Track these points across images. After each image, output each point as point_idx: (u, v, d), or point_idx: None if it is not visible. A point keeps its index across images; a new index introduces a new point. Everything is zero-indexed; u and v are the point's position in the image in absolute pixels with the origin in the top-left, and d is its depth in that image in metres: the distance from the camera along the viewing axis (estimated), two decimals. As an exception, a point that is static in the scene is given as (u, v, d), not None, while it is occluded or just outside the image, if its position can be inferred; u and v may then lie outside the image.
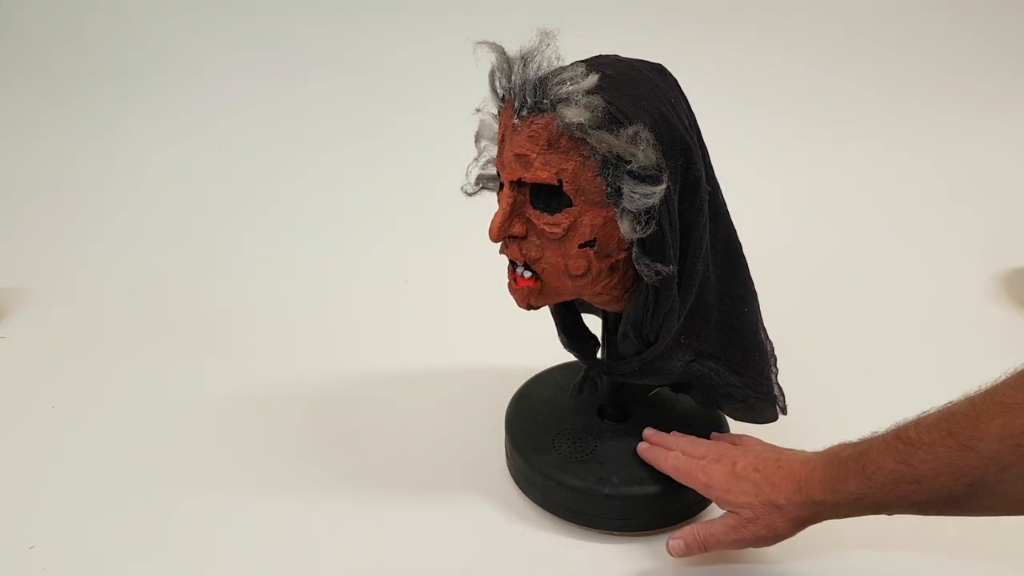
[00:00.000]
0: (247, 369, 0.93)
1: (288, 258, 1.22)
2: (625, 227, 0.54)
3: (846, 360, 0.93)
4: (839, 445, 0.56)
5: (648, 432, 0.70)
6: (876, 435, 0.53)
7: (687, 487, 0.66)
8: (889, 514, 0.54)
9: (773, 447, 0.64)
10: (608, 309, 0.65)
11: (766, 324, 0.69)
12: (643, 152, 0.52)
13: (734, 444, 0.65)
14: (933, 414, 0.51)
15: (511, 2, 1.32)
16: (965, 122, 1.53)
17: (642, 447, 0.68)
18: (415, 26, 1.53)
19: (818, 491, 0.54)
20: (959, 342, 0.97)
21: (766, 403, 0.67)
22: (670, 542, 0.62)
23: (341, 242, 1.26)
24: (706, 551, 0.61)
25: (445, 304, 1.08)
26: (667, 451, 0.66)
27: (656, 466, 0.66)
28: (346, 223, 1.31)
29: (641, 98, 0.54)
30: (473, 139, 0.63)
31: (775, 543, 0.59)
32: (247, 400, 0.87)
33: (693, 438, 0.67)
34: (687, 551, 0.61)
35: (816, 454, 0.57)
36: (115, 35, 1.51)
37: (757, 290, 0.66)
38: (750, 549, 0.61)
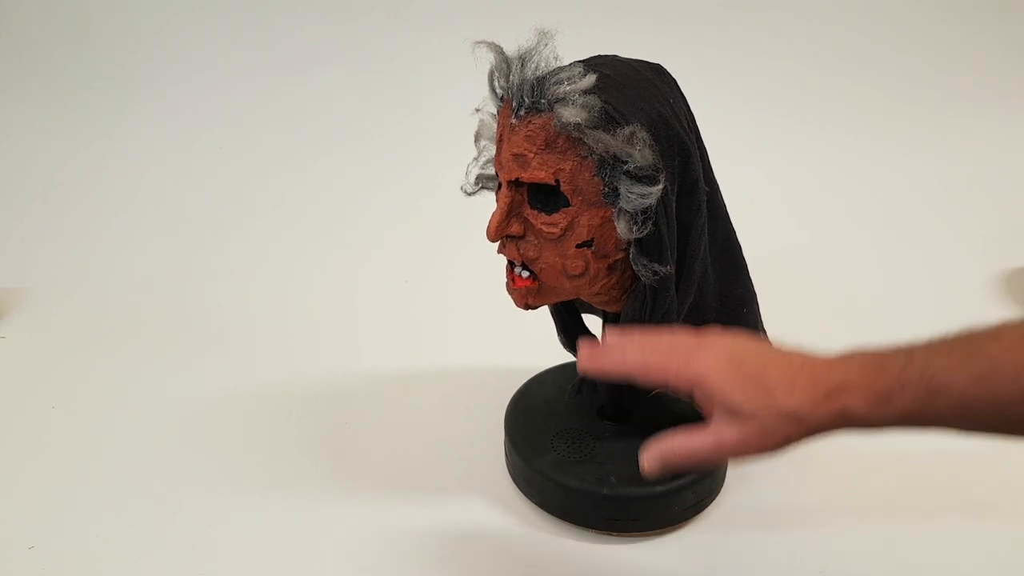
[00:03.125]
0: (247, 369, 0.93)
1: (288, 258, 1.22)
2: (622, 227, 0.54)
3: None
4: (869, 354, 0.47)
5: (584, 343, 0.54)
6: (931, 343, 0.45)
7: (687, 488, 0.66)
8: (929, 429, 0.46)
9: (761, 340, 0.52)
10: (607, 309, 0.65)
11: (766, 325, 0.69)
12: (640, 152, 0.52)
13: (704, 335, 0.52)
14: (1018, 326, 0.43)
15: (511, 2, 1.32)
16: (965, 122, 1.52)
17: (584, 356, 0.52)
18: (415, 26, 1.53)
19: (859, 400, 0.45)
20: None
21: None
22: (645, 461, 0.50)
23: (341, 242, 1.26)
24: (690, 467, 0.51)
25: (445, 304, 1.08)
26: (623, 348, 0.51)
27: (615, 370, 0.51)
28: (346, 223, 1.31)
29: (638, 98, 0.54)
30: (473, 139, 0.63)
31: (776, 455, 0.49)
32: (247, 400, 0.87)
33: (651, 333, 0.51)
34: (666, 470, 0.51)
35: (840, 359, 0.48)
36: (114, 35, 1.51)
37: (756, 291, 0.66)
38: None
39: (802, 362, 0.48)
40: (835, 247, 1.22)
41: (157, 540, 0.68)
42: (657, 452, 0.50)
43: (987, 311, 1.04)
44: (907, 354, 0.45)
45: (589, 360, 0.52)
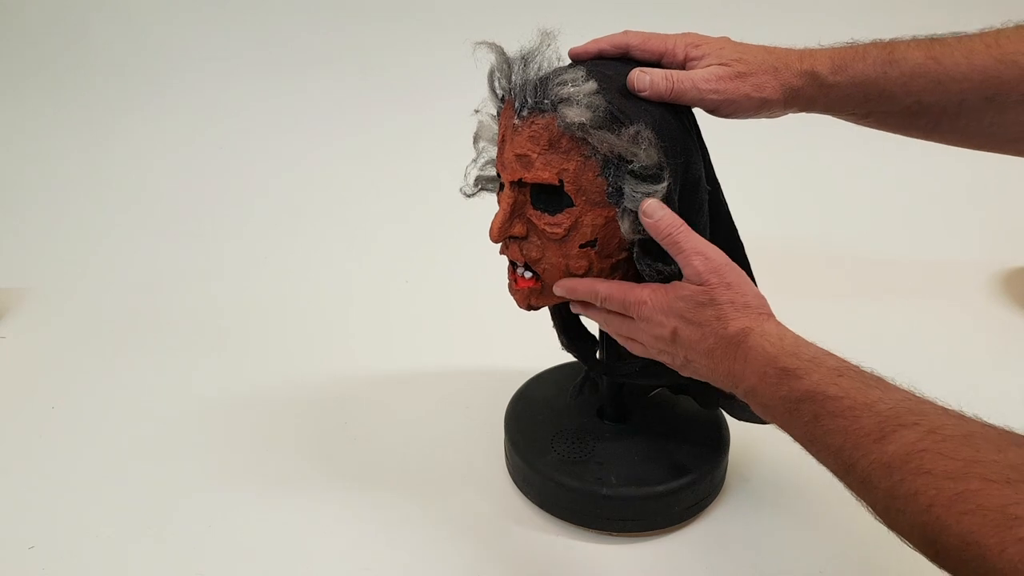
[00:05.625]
0: (247, 369, 0.93)
1: (288, 258, 1.22)
2: (626, 227, 0.54)
3: (847, 359, 0.93)
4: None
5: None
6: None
7: (686, 488, 0.66)
8: (869, 115, 0.56)
9: None
10: (610, 310, 0.65)
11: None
12: (645, 152, 0.52)
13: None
14: (974, 32, 0.53)
15: (513, 2, 1.32)
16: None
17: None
18: (415, 26, 1.53)
19: (824, 65, 0.54)
20: (959, 341, 0.97)
21: None
22: (635, 72, 0.54)
23: (341, 242, 1.26)
24: (672, 97, 0.54)
25: (445, 304, 1.08)
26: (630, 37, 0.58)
27: (611, 45, 0.58)
28: (346, 223, 1.31)
29: (641, 98, 0.54)
30: (472, 140, 0.63)
31: (757, 113, 0.56)
32: (247, 400, 0.87)
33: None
34: (652, 89, 0.54)
35: None
36: (115, 35, 1.51)
37: (759, 290, 0.66)
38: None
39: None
40: (835, 247, 1.22)
41: (157, 540, 0.68)
42: (649, 73, 0.54)
43: (987, 311, 1.04)
44: (883, 41, 0.55)
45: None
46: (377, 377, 0.91)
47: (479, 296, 0.98)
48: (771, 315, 0.51)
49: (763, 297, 0.53)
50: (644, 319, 0.54)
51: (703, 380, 0.54)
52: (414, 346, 0.98)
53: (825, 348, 0.48)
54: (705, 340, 0.51)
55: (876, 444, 0.38)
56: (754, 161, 1.37)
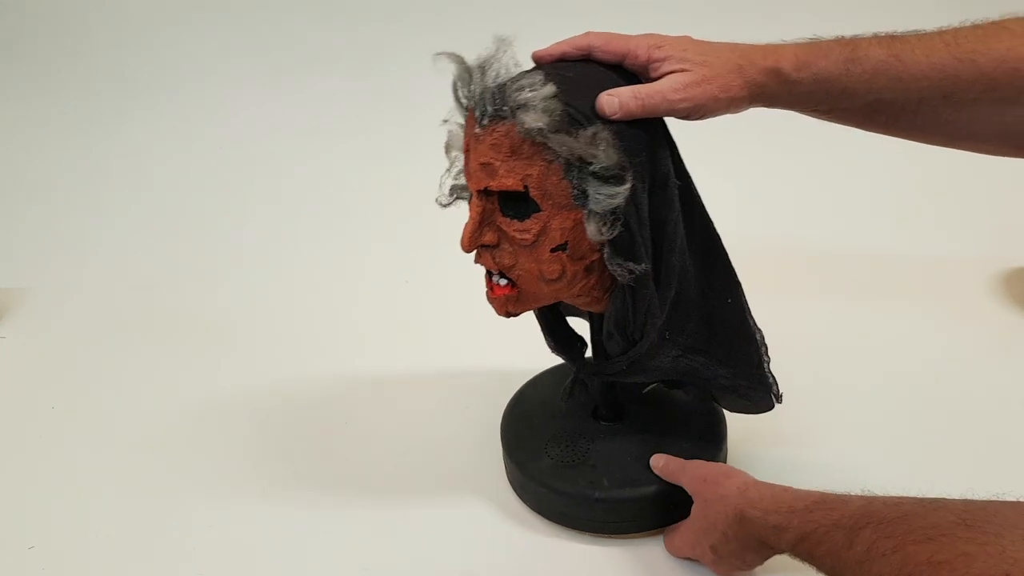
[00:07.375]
0: (246, 369, 0.93)
1: (288, 259, 1.22)
2: (592, 229, 0.54)
3: (844, 357, 0.92)
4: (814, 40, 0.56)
5: None
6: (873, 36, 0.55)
7: (681, 489, 0.66)
8: (831, 111, 0.57)
9: None
10: (591, 310, 0.64)
11: (765, 321, 0.68)
12: (604, 152, 0.52)
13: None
14: (933, 30, 0.54)
15: (513, 3, 1.32)
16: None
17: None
18: (416, 27, 1.53)
19: (788, 62, 0.54)
20: (959, 341, 0.96)
21: (759, 392, 0.66)
22: (603, 97, 0.53)
23: (341, 243, 1.26)
24: (644, 113, 0.53)
25: (445, 305, 1.08)
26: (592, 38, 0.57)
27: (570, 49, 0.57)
28: (346, 224, 1.32)
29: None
30: (444, 150, 0.63)
31: (724, 110, 0.56)
32: (246, 401, 0.87)
33: None
34: (623, 110, 0.53)
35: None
36: (116, 36, 1.51)
37: (755, 286, 0.65)
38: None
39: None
40: (834, 244, 1.22)
41: (157, 540, 0.68)
42: (616, 95, 0.53)
43: (987, 311, 1.04)
44: (845, 38, 0.55)
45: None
46: (377, 377, 0.91)
47: (479, 296, 0.97)
48: (744, 491, 0.56)
49: (729, 473, 0.60)
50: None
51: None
52: (414, 346, 0.98)
53: (789, 488, 0.54)
54: (728, 543, 0.58)
55: (848, 551, 0.45)
56: (748, 159, 1.37)
